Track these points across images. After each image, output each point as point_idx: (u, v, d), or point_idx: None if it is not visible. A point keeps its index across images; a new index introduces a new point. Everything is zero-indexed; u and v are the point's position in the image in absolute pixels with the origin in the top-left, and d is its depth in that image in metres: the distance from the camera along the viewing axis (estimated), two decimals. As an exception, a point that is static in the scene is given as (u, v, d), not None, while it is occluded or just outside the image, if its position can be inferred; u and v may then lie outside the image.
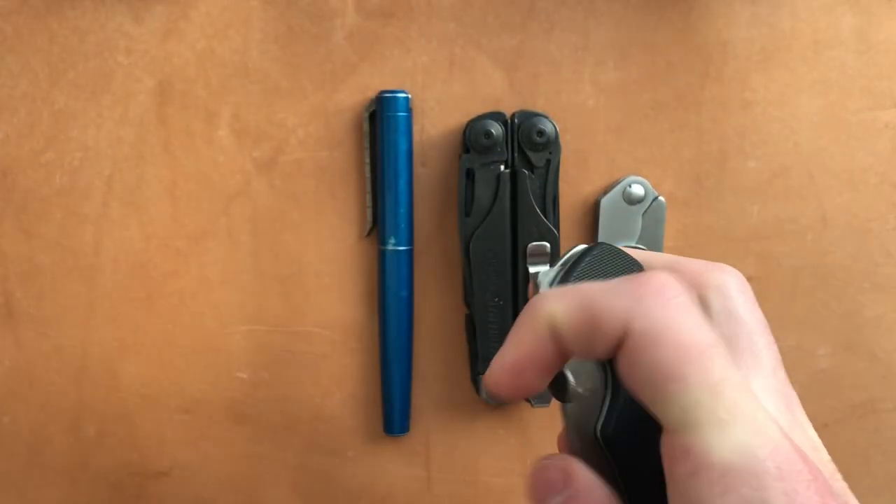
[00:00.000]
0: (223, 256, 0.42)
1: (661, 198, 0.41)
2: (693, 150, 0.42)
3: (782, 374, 0.24)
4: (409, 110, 0.40)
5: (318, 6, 0.40)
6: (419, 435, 0.44)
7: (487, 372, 0.23)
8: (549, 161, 0.40)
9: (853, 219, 0.43)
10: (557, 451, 0.26)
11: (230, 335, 0.42)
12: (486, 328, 0.41)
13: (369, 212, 0.41)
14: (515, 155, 0.40)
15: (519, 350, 0.23)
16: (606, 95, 0.41)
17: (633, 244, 0.41)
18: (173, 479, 0.44)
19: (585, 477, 0.23)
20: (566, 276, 0.25)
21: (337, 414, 0.43)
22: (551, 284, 0.25)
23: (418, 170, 0.41)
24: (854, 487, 0.23)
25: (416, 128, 0.41)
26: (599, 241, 0.26)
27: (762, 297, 0.43)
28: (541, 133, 0.39)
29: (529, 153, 0.39)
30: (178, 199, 0.41)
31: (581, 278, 0.25)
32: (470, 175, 0.40)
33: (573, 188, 0.42)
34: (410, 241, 0.41)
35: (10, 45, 0.39)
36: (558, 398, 0.24)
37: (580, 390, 0.24)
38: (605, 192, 0.41)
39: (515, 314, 0.41)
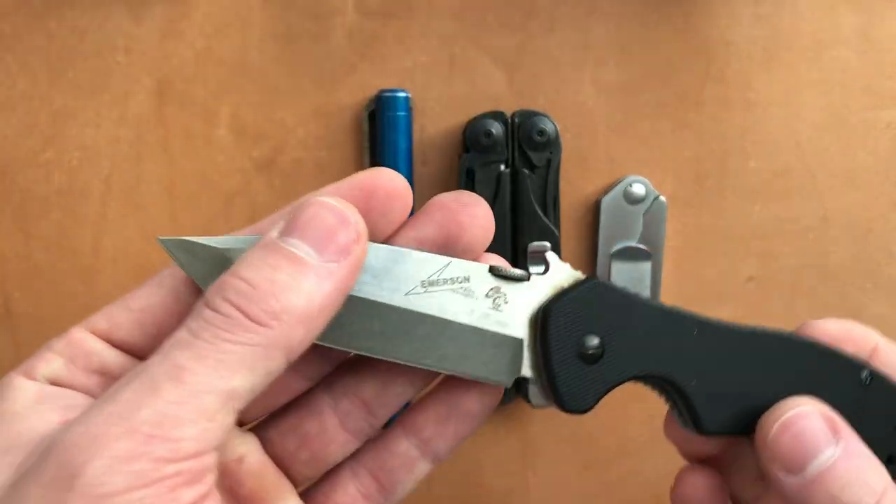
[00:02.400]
0: (222, 256, 0.41)
1: (661, 197, 0.41)
2: (694, 150, 0.41)
3: None
4: (408, 110, 0.40)
5: (317, 5, 0.39)
6: (419, 435, 0.44)
7: None
8: (549, 160, 0.39)
9: (855, 218, 0.43)
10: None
11: (229, 335, 0.42)
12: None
13: (369, 211, 0.41)
14: (516, 154, 0.39)
15: None
16: (607, 95, 0.41)
17: (635, 244, 0.41)
18: (172, 480, 0.43)
19: (849, 427, 0.23)
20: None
21: (337, 414, 0.43)
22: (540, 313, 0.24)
23: (418, 169, 0.41)
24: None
25: (415, 127, 0.41)
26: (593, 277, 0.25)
27: (764, 298, 0.43)
28: (541, 132, 0.39)
29: (530, 152, 0.39)
30: (177, 198, 0.41)
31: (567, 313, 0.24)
32: (470, 175, 0.40)
33: (574, 188, 0.41)
34: (410, 241, 0.41)
35: (9, 45, 0.39)
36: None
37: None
38: (606, 191, 0.41)
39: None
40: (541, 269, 0.25)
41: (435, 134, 0.41)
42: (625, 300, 0.24)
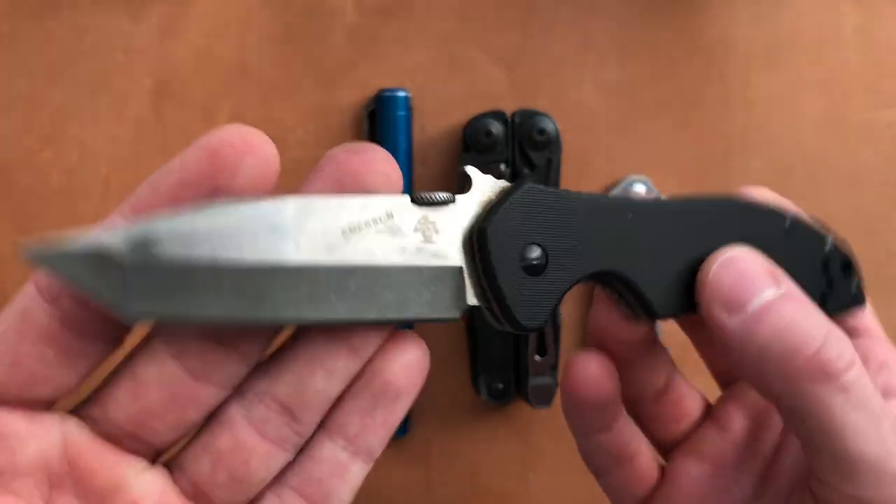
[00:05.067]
0: (222, 256, 0.41)
1: (663, 197, 0.41)
2: (695, 150, 0.41)
3: None
4: (408, 109, 0.40)
5: (317, 4, 0.39)
6: (419, 436, 0.43)
7: None
8: (549, 160, 0.39)
9: (856, 219, 0.42)
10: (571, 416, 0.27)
11: (229, 336, 0.42)
12: (486, 328, 0.40)
13: (369, 211, 0.41)
14: (516, 154, 0.39)
15: None
16: (608, 94, 0.41)
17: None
18: (172, 481, 0.43)
19: (787, 276, 0.23)
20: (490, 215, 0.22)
21: (336, 415, 0.43)
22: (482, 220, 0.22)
23: (418, 169, 0.41)
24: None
25: (415, 127, 0.40)
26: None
27: (764, 298, 0.43)
28: (542, 132, 0.39)
29: (530, 152, 0.39)
30: (176, 198, 0.41)
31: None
32: (470, 174, 0.39)
33: (574, 187, 0.41)
34: (410, 241, 0.41)
35: (8, 44, 0.39)
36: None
37: None
38: (607, 191, 0.41)
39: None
40: (466, 188, 0.23)
41: (435, 134, 0.41)
42: (557, 200, 0.23)
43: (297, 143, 0.40)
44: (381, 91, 0.39)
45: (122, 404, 0.21)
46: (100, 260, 0.19)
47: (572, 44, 0.40)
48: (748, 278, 0.22)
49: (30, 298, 0.21)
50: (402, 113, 0.39)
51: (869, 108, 0.41)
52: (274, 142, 0.41)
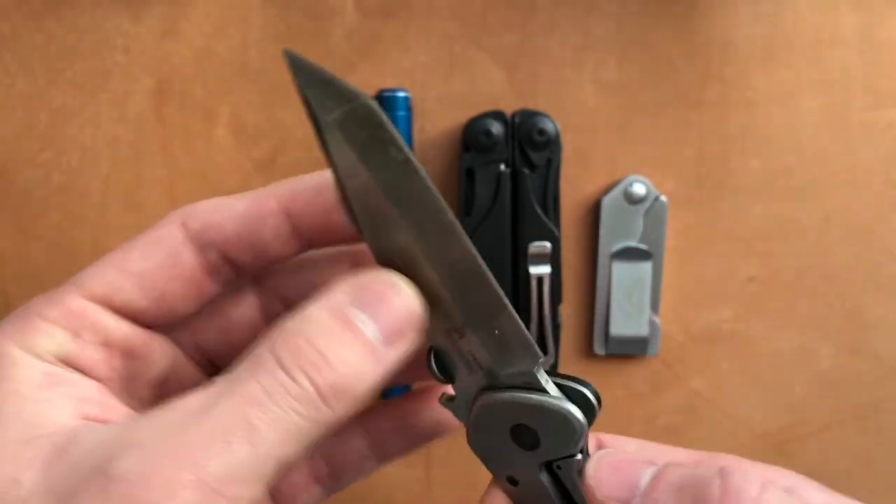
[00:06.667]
0: (222, 256, 0.41)
1: (662, 197, 0.41)
2: (695, 150, 0.41)
3: None
4: (408, 109, 0.40)
5: (317, 5, 0.39)
6: (419, 436, 0.43)
7: None
8: (549, 160, 0.39)
9: (856, 219, 0.42)
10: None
11: (229, 336, 0.42)
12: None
13: (369, 211, 0.41)
14: (516, 154, 0.39)
15: None
16: (607, 94, 0.41)
17: (636, 244, 0.41)
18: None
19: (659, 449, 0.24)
20: None
21: (336, 415, 0.43)
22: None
23: (418, 169, 0.41)
24: (856, 489, 0.22)
25: (415, 127, 0.40)
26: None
27: (765, 298, 0.43)
28: (541, 132, 0.39)
29: (530, 152, 0.39)
30: (176, 198, 0.41)
31: None
32: (470, 174, 0.39)
33: (574, 187, 0.41)
34: (410, 241, 0.41)
35: (8, 44, 0.39)
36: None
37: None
38: (607, 191, 0.41)
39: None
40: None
41: (435, 134, 0.41)
42: None
43: (297, 143, 0.40)
44: (381, 91, 0.39)
45: (212, 337, 0.25)
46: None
47: (572, 44, 0.40)
48: (624, 467, 0.23)
49: (179, 242, 0.24)
50: (402, 113, 0.39)
51: (868, 109, 0.41)
52: (274, 142, 0.41)
